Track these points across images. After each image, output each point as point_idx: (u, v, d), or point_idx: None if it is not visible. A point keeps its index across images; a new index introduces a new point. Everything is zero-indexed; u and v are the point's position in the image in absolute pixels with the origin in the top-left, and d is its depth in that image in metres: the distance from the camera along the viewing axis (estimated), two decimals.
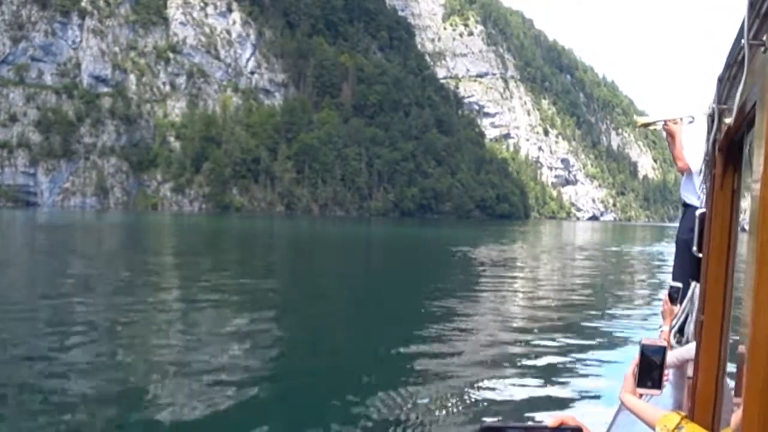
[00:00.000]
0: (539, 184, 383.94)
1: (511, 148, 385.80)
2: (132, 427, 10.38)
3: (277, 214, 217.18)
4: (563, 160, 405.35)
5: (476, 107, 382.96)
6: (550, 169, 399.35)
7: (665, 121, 7.08)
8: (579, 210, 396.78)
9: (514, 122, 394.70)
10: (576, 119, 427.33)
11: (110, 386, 12.33)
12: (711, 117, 3.27)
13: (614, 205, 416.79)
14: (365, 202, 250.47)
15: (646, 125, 7.41)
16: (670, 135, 7.05)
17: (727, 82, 2.66)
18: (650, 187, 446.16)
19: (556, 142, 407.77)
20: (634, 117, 7.98)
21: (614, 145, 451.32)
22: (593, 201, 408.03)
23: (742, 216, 2.93)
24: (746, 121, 2.24)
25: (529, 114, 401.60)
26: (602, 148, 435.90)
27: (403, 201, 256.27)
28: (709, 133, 3.48)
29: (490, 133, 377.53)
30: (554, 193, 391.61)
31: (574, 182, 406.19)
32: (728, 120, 2.60)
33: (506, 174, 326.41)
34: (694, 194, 6.82)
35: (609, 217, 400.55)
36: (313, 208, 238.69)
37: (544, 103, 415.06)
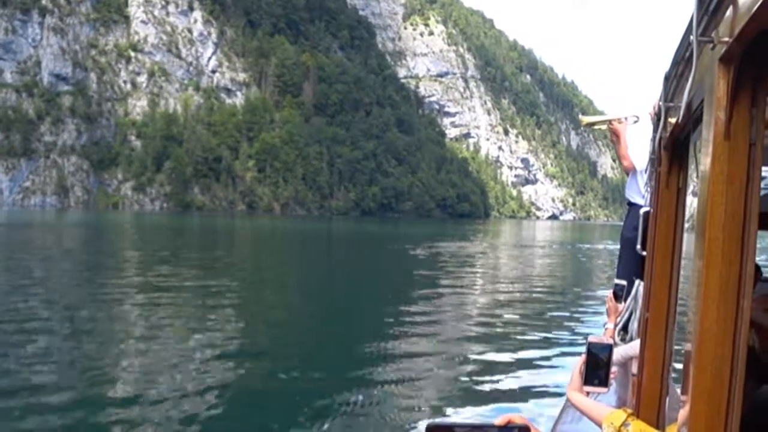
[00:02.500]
0: (499, 184, 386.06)
1: (471, 148, 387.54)
2: (92, 425, 10.47)
3: (239, 213, 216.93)
4: (523, 160, 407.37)
5: (436, 107, 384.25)
6: (510, 168, 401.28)
7: (610, 121, 7.10)
8: (539, 209, 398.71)
9: (474, 122, 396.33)
10: (536, 119, 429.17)
11: (72, 385, 12.53)
12: (657, 115, 3.22)
13: (574, 204, 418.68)
14: (326, 201, 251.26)
15: (590, 125, 7.34)
16: (615, 134, 7.07)
17: (674, 79, 2.64)
18: (609, 186, 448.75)
19: (516, 142, 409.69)
20: (579, 116, 7.72)
21: (574, 145, 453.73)
22: (553, 200, 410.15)
23: (687, 214, 2.95)
24: (692, 118, 2.23)
25: (489, 113, 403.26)
26: (562, 147, 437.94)
27: (364, 200, 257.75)
28: (654, 131, 3.44)
29: (451, 133, 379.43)
30: (514, 193, 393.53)
31: (534, 182, 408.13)
32: (674, 118, 2.61)
33: (466, 173, 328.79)
34: (639, 193, 6.80)
35: (568, 216, 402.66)
36: (274, 207, 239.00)
37: (504, 102, 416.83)
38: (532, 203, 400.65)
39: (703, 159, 1.63)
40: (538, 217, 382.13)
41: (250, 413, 11.21)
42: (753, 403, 2.19)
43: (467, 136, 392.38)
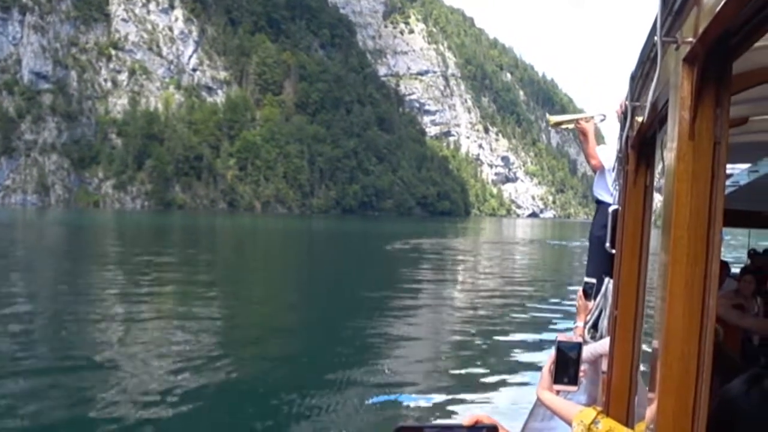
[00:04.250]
0: (479, 182, 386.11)
1: (452, 146, 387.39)
2: (78, 423, 10.68)
3: (220, 212, 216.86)
4: (503, 158, 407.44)
5: (417, 105, 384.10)
6: (491, 166, 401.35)
7: (577, 120, 7.15)
8: (519, 207, 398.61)
9: (455, 120, 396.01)
10: (516, 117, 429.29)
11: (61, 384, 12.78)
12: (624, 114, 3.24)
13: (554, 202, 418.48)
14: (307, 199, 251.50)
15: (558, 124, 7.36)
16: (583, 133, 7.15)
17: (639, 79, 2.63)
18: (589, 184, 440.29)
19: (497, 140, 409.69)
20: (547, 116, 7.77)
21: (554, 143, 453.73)
22: (533, 198, 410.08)
23: (654, 212, 2.94)
24: (658, 118, 2.23)
25: (469, 112, 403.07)
26: (542, 145, 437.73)
27: (344, 198, 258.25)
28: (621, 130, 3.48)
29: (431, 131, 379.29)
30: (494, 191, 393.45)
31: (514, 180, 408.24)
32: (640, 117, 2.59)
33: (447, 171, 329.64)
34: (607, 191, 6.82)
35: (549, 214, 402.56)
36: (255, 205, 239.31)
37: (485, 100, 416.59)
38: (513, 201, 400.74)
39: (669, 157, 1.64)
40: (518, 215, 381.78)
41: (226, 409, 11.51)
42: (720, 399, 2.19)
43: (448, 134, 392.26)
